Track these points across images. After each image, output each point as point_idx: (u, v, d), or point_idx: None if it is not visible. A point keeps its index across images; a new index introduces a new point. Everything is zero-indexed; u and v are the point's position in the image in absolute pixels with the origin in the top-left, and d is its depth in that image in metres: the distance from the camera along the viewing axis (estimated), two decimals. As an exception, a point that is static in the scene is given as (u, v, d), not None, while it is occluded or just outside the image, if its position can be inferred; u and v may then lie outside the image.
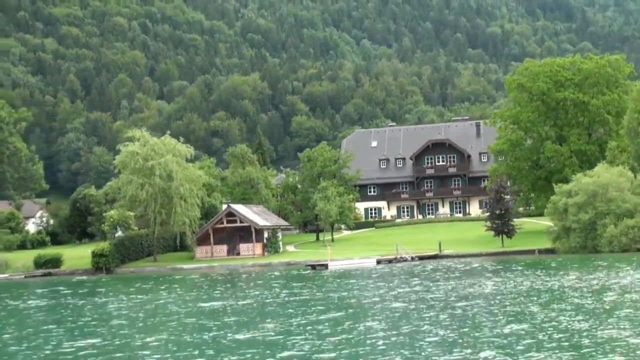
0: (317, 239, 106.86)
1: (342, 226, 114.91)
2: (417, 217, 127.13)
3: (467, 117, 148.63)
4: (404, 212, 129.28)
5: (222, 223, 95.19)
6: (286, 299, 46.65)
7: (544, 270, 57.43)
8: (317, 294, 49.39)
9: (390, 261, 79.40)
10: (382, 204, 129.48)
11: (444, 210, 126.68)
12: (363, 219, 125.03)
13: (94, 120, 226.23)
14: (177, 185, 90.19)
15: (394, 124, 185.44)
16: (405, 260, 79.42)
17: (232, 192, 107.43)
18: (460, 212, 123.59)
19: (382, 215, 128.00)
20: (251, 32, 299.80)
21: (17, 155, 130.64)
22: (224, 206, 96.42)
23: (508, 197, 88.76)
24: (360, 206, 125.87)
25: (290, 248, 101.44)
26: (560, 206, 76.80)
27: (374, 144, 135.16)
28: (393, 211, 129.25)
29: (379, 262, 79.27)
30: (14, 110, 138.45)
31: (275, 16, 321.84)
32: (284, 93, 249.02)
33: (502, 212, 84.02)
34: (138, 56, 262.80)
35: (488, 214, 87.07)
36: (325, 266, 75.85)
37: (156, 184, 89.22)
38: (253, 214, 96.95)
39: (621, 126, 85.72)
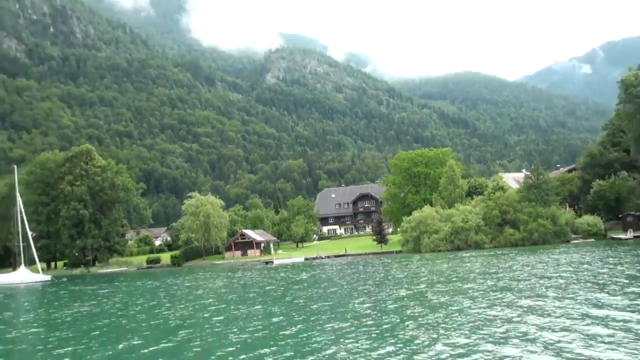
0: (297, 246, 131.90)
1: (315, 237, 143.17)
2: (355, 233, 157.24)
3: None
4: (347, 231, 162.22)
5: (238, 239, 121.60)
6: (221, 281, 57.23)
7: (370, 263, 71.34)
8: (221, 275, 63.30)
9: (314, 259, 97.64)
10: (336, 227, 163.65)
11: (368, 230, 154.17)
12: (326, 235, 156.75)
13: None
14: (212, 220, 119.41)
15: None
16: (322, 258, 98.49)
17: (252, 223, 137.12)
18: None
19: (337, 233, 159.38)
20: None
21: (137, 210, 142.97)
22: (240, 231, 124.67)
23: (384, 224, 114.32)
24: (325, 228, 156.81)
25: (280, 251, 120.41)
26: (404, 227, 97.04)
27: (333, 195, 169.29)
28: (342, 231, 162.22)
29: (307, 259, 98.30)
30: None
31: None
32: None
33: (380, 231, 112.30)
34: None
35: (372, 233, 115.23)
36: (272, 262, 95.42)
37: (200, 220, 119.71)
38: (255, 234, 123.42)
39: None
